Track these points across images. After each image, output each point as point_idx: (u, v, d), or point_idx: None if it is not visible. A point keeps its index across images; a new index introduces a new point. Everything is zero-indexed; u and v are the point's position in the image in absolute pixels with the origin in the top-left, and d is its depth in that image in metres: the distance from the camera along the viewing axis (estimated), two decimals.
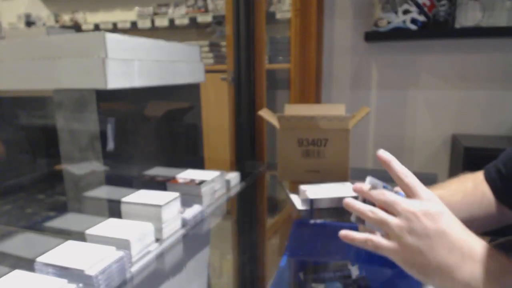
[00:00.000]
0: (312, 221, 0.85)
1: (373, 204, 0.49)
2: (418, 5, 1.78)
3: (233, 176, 1.07)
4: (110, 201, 0.73)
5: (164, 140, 0.94)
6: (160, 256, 0.69)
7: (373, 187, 0.52)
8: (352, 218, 0.52)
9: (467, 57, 1.88)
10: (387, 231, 0.46)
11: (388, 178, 0.52)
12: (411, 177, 0.47)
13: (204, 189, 0.87)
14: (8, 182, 0.90)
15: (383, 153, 0.48)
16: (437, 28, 1.80)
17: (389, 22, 1.83)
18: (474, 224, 0.63)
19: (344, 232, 0.49)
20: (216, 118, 1.89)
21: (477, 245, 0.43)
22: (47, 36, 0.74)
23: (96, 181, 0.71)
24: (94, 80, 0.67)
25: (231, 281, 0.70)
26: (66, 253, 0.59)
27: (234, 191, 1.05)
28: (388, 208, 0.46)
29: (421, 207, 0.44)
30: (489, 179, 0.66)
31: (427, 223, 0.43)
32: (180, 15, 2.73)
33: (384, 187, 0.53)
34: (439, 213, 0.44)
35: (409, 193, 0.47)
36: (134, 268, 0.63)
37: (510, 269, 0.41)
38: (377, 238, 0.46)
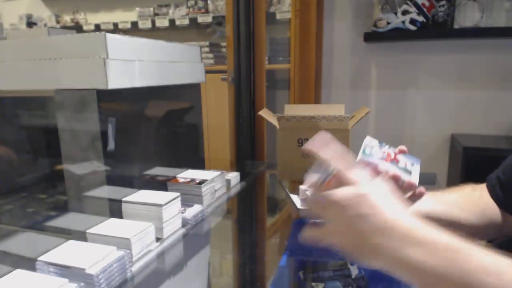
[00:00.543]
0: (312, 221, 0.85)
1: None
2: (417, 6, 1.78)
3: (233, 176, 1.07)
4: (111, 200, 0.73)
5: (165, 140, 0.94)
6: (161, 255, 0.69)
7: (369, 146, 0.60)
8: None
9: (466, 57, 1.88)
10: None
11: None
12: (339, 164, 0.47)
13: (205, 189, 0.87)
14: (9, 181, 0.90)
15: (308, 145, 0.49)
16: (436, 28, 1.81)
17: (388, 23, 1.84)
18: (477, 231, 0.64)
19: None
20: (216, 118, 1.89)
21: (387, 224, 0.42)
22: (48, 37, 0.75)
23: (97, 181, 0.72)
24: (95, 80, 0.67)
25: (231, 280, 0.71)
26: (67, 252, 0.59)
27: (234, 191, 1.05)
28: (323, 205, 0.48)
29: (344, 195, 0.45)
30: (489, 187, 0.67)
31: (346, 212, 0.44)
32: (180, 15, 2.73)
33: (380, 144, 0.60)
34: (360, 196, 0.44)
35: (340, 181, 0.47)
36: (135, 267, 0.63)
37: (409, 240, 0.41)
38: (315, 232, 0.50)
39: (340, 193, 0.45)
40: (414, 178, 0.59)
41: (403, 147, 0.64)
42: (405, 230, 0.41)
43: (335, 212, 0.46)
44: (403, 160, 0.63)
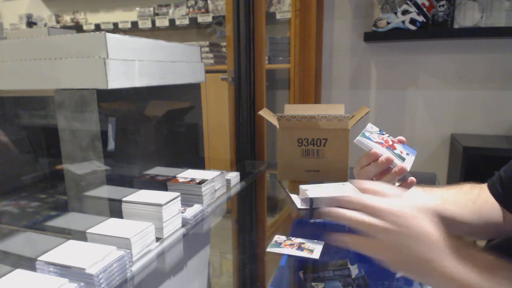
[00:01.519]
0: (312, 221, 0.86)
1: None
2: (417, 6, 1.78)
3: (233, 176, 1.07)
4: (111, 200, 0.73)
5: (165, 140, 0.94)
6: (161, 255, 0.69)
7: (368, 131, 0.66)
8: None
9: (466, 57, 1.88)
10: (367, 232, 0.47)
11: None
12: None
13: (205, 189, 0.87)
14: (9, 181, 0.90)
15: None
16: (436, 28, 1.81)
17: (388, 23, 1.83)
18: (474, 229, 0.64)
19: (334, 237, 0.49)
20: (216, 118, 1.89)
21: (439, 244, 0.44)
22: (48, 37, 0.75)
23: (97, 180, 0.72)
24: (95, 80, 0.67)
25: (231, 280, 0.71)
26: (67, 252, 0.59)
27: (234, 191, 1.05)
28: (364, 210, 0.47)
29: (390, 206, 0.45)
30: (490, 185, 0.67)
31: (397, 233, 0.44)
32: (180, 15, 2.73)
33: (380, 132, 0.66)
34: (406, 217, 0.44)
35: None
36: (135, 267, 0.63)
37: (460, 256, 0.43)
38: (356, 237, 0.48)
39: (386, 203, 0.44)
40: (407, 165, 0.62)
41: (402, 138, 0.70)
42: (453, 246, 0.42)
43: (382, 230, 0.44)
44: (399, 148, 0.66)
